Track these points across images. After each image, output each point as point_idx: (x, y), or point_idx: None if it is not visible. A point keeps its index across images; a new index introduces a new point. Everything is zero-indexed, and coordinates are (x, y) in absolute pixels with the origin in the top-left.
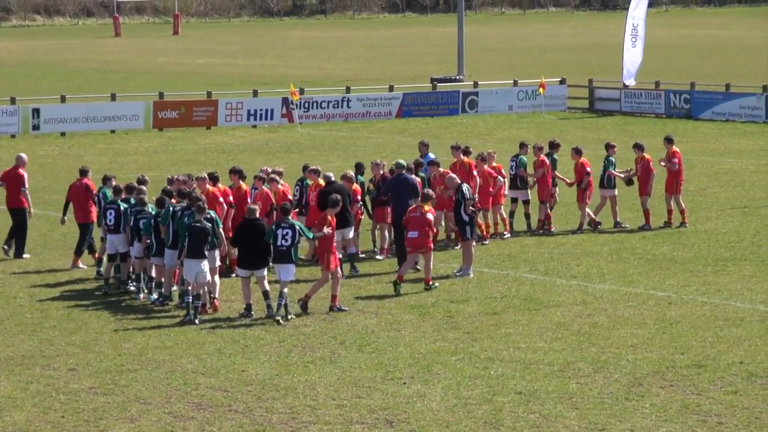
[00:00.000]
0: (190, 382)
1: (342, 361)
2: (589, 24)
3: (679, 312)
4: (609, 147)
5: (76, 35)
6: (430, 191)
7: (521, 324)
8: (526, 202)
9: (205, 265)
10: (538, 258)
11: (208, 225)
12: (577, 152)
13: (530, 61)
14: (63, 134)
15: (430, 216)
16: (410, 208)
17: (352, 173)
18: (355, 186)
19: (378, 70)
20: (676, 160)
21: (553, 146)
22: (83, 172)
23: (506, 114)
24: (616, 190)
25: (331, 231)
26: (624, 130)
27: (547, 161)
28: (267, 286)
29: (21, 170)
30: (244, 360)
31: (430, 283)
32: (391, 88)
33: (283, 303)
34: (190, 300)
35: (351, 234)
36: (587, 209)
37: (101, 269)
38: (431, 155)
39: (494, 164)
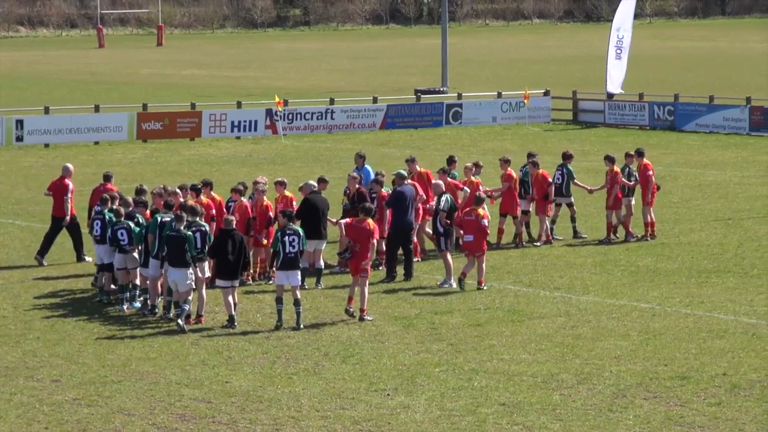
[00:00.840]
0: (174, 394)
1: (326, 372)
2: (573, 36)
3: (663, 324)
4: (567, 156)
5: (59, 46)
6: (482, 194)
7: (505, 335)
8: (570, 205)
9: (187, 274)
10: (521, 270)
11: (188, 233)
12: (535, 165)
13: (514, 73)
14: (47, 145)
15: (485, 222)
16: (465, 211)
17: (314, 182)
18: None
19: (362, 81)
20: (651, 173)
21: (566, 157)
22: (107, 178)
23: (490, 126)
24: (572, 197)
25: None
26: (608, 141)
27: (514, 175)
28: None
29: (67, 180)
30: (228, 371)
31: (483, 284)
32: (375, 100)
33: (301, 311)
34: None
35: (322, 246)
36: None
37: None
38: (368, 167)
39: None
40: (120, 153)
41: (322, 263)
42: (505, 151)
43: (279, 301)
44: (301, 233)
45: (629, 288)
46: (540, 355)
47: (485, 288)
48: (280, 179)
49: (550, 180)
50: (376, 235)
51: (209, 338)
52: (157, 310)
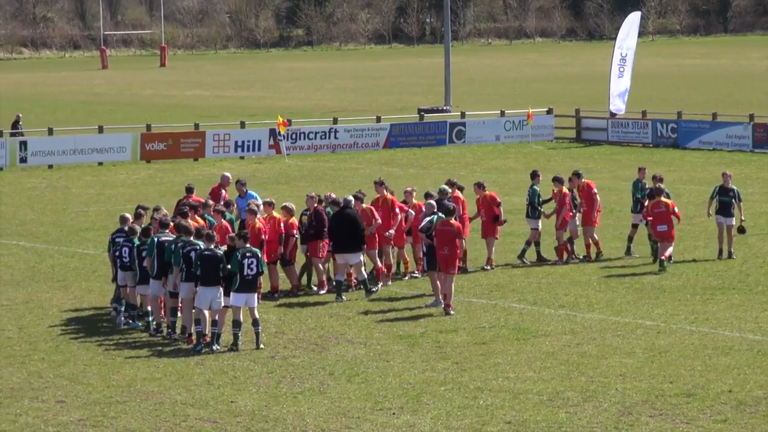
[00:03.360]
0: (179, 414)
1: (331, 391)
2: (576, 54)
3: (668, 341)
4: (534, 175)
5: (63, 68)
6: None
7: (510, 354)
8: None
9: (220, 292)
10: (526, 288)
11: (220, 253)
12: (480, 186)
13: (517, 92)
14: (50, 167)
15: (677, 209)
16: (653, 203)
17: (292, 205)
18: (292, 220)
19: (365, 100)
20: (595, 191)
21: (533, 176)
22: (189, 190)
23: (493, 144)
24: (539, 221)
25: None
26: (611, 159)
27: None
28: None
29: (222, 190)
30: (233, 391)
31: (664, 260)
32: (378, 119)
33: (260, 330)
34: (203, 329)
35: (357, 260)
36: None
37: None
38: (252, 193)
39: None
40: (124, 174)
41: (364, 273)
42: (509, 169)
43: (237, 324)
44: (260, 255)
45: (634, 305)
46: (545, 373)
47: (670, 262)
48: (267, 199)
49: (499, 201)
50: (466, 233)
51: (214, 358)
52: (162, 330)
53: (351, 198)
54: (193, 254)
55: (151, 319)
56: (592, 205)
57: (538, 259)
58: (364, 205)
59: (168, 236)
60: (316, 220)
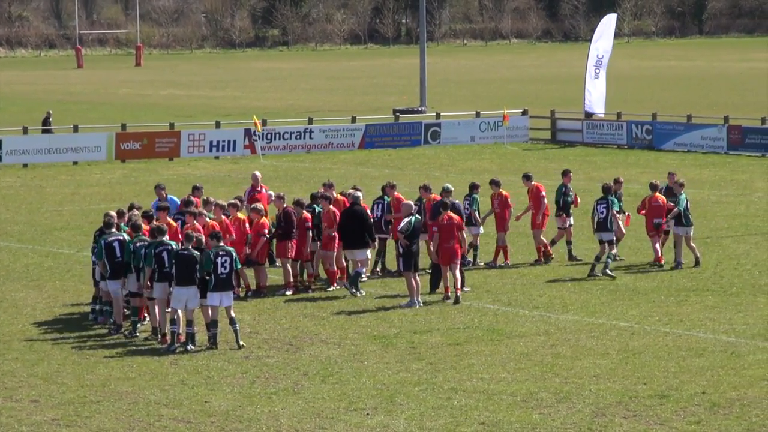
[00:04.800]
0: (153, 414)
1: (305, 392)
2: (551, 55)
3: (642, 342)
4: (474, 187)
5: (38, 67)
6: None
7: (484, 354)
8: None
9: (195, 292)
10: (500, 289)
11: (196, 253)
12: (426, 189)
13: (492, 93)
14: (25, 165)
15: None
16: (651, 197)
17: (261, 205)
18: (263, 220)
19: (340, 101)
20: (543, 193)
21: (473, 187)
22: (196, 189)
23: (468, 145)
24: (481, 228)
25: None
26: (586, 161)
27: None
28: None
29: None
30: (207, 391)
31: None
32: (353, 119)
33: (238, 328)
34: (177, 329)
35: (364, 256)
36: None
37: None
38: (173, 197)
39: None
40: (98, 173)
41: (363, 269)
42: (484, 170)
43: (214, 324)
44: (234, 254)
45: (608, 307)
46: (519, 374)
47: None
48: (232, 201)
49: (543, 193)
50: (462, 225)
51: (188, 358)
52: (121, 328)
53: (359, 194)
54: (165, 254)
55: (112, 320)
56: (539, 207)
57: (480, 262)
58: (331, 207)
59: (117, 236)
60: (284, 221)
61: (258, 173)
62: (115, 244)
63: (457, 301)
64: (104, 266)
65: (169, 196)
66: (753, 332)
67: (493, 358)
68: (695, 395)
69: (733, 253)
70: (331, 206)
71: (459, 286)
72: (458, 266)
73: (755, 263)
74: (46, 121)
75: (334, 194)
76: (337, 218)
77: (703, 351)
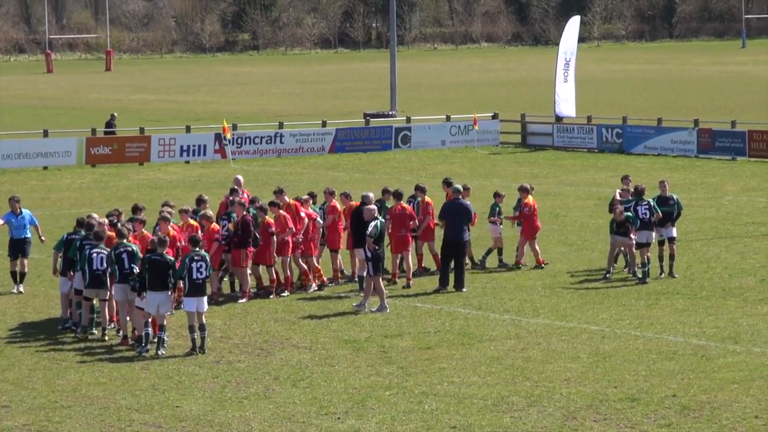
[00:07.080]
0: (124, 419)
1: (276, 396)
2: (522, 59)
3: (613, 346)
4: (419, 188)
5: (7, 72)
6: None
7: (455, 358)
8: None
9: (168, 297)
10: (471, 292)
11: (170, 258)
12: (397, 196)
13: (463, 97)
14: None
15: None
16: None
17: (210, 212)
18: (213, 225)
19: (311, 105)
20: (432, 207)
21: (417, 189)
22: (200, 201)
23: (439, 149)
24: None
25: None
26: (556, 164)
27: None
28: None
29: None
30: (178, 396)
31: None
32: (324, 124)
33: (206, 335)
34: (148, 333)
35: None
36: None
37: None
38: (26, 211)
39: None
40: (69, 178)
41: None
42: (454, 174)
43: (192, 329)
44: (208, 259)
45: (579, 310)
46: (490, 377)
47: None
48: (184, 207)
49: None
50: (414, 216)
51: (159, 363)
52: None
53: (370, 194)
54: (125, 256)
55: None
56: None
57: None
58: (281, 212)
59: (126, 246)
60: (242, 229)
61: (240, 177)
62: (124, 255)
63: (408, 286)
64: (114, 275)
65: (23, 210)
66: (723, 335)
67: (464, 362)
68: (666, 398)
69: (703, 256)
70: (281, 211)
71: (410, 276)
72: (410, 254)
73: (725, 266)
74: (109, 124)
75: (286, 198)
76: (288, 223)
77: (673, 354)
